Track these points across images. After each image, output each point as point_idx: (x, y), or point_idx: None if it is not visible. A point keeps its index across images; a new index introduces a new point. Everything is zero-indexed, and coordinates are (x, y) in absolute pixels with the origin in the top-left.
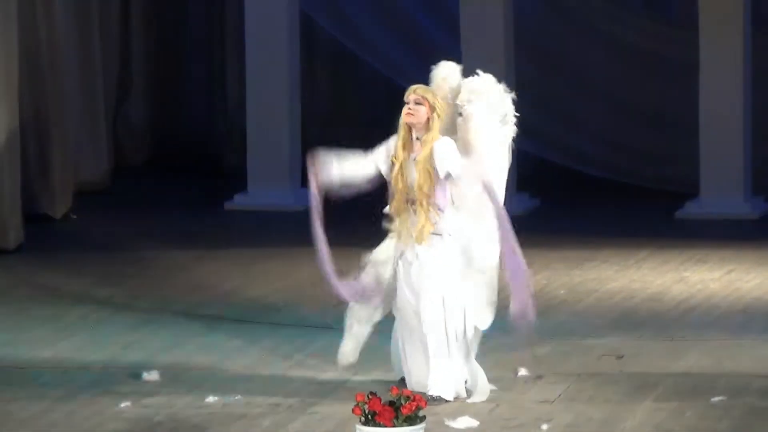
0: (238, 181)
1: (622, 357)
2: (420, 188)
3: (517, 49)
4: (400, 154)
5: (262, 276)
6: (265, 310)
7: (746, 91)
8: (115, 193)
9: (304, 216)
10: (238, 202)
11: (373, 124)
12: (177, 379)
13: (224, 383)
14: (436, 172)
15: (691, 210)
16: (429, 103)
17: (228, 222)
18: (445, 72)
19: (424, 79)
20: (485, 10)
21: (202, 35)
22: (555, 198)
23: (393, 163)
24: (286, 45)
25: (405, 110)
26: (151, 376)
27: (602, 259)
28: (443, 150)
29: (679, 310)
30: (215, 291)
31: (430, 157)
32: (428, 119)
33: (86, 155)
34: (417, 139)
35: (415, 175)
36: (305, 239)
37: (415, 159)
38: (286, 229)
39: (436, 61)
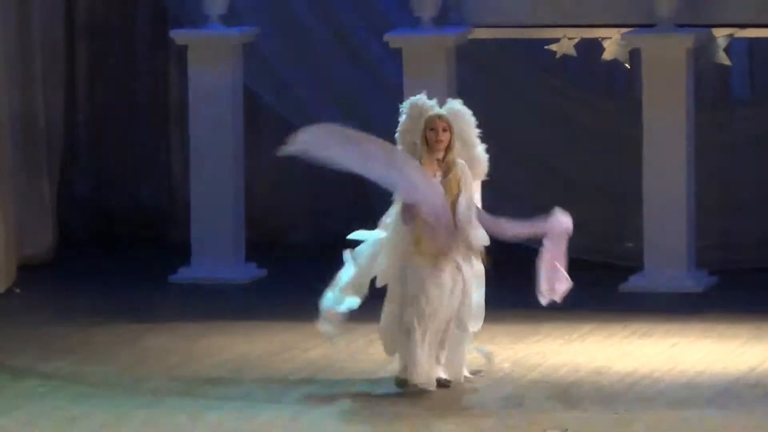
0: (182, 254)
1: (566, 431)
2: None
3: None
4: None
5: (206, 349)
6: (210, 384)
7: (689, 166)
8: (60, 267)
9: (248, 289)
10: (182, 275)
11: (319, 196)
12: None
13: None
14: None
15: (635, 284)
16: (450, 126)
17: (172, 295)
18: (428, 104)
19: None
20: (427, 84)
21: (147, 109)
22: (499, 271)
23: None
24: (230, 119)
25: (434, 137)
26: None
27: (546, 333)
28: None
29: (623, 384)
30: (160, 364)
31: (460, 176)
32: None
33: (30, 229)
34: (437, 159)
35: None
36: (250, 313)
37: (444, 178)
38: (230, 302)
39: (379, 135)
